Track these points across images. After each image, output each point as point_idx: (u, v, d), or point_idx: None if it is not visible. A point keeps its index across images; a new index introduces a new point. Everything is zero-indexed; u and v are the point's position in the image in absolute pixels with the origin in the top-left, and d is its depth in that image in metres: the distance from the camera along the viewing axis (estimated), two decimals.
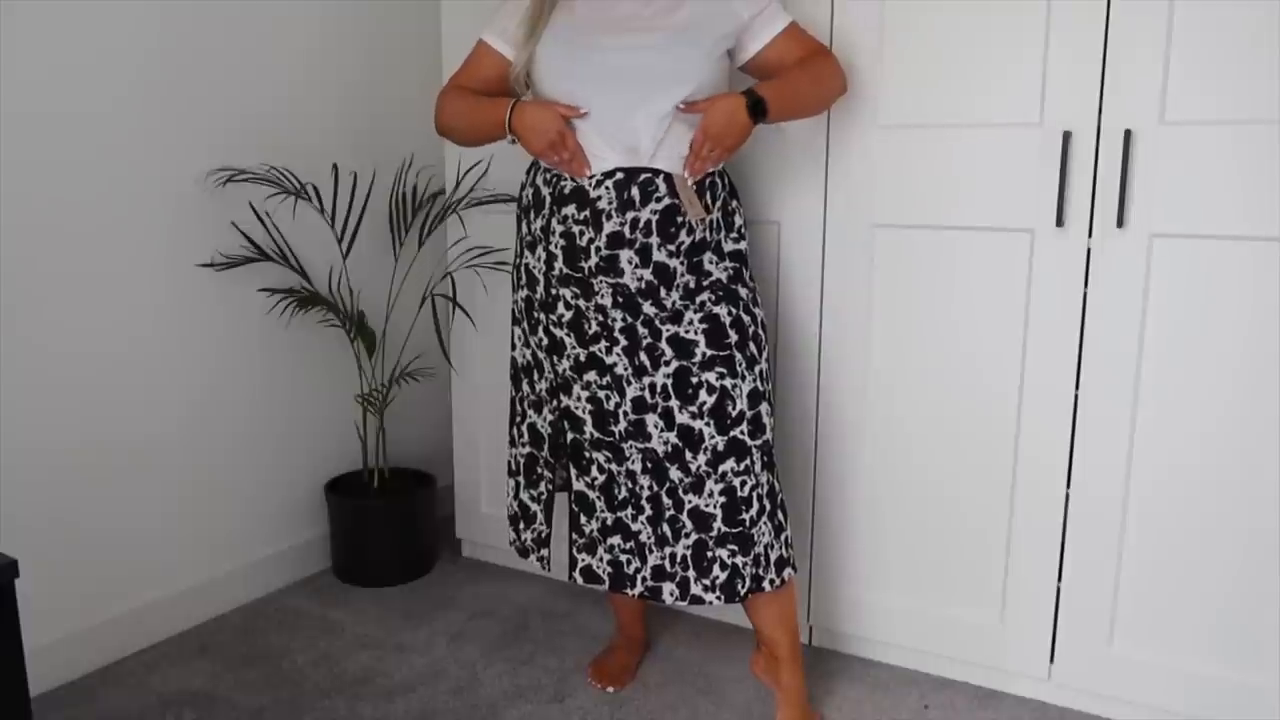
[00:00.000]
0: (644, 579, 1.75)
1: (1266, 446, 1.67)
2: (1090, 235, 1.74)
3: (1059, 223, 1.75)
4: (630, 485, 1.74)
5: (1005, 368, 1.86)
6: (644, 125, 1.63)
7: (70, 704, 1.92)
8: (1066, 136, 1.72)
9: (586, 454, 1.76)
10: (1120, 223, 1.70)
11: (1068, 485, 1.83)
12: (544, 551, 1.91)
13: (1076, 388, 1.80)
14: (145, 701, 1.93)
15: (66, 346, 1.95)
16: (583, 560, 1.81)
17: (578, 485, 1.79)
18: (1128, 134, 1.67)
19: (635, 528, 1.75)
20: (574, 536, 1.82)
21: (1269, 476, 1.68)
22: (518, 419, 1.90)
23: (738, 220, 1.77)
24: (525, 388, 1.86)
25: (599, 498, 1.77)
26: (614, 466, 1.74)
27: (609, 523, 1.77)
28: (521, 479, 1.91)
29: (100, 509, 2.04)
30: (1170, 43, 1.63)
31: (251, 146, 2.26)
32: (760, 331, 1.75)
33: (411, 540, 2.49)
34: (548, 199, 1.71)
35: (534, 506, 1.90)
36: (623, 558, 1.77)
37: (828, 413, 2.04)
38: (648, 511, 1.74)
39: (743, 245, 1.77)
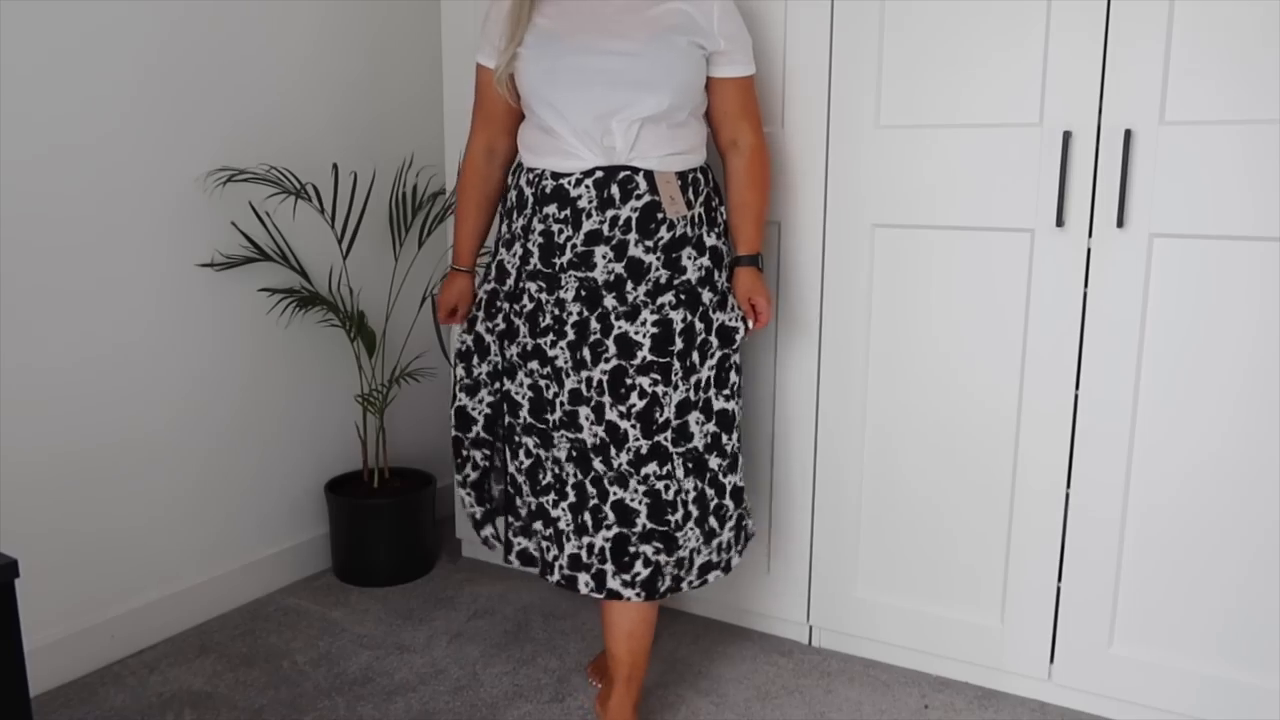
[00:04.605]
0: (561, 567, 1.78)
1: (1267, 445, 1.67)
2: (1090, 235, 1.75)
3: (1059, 223, 1.75)
4: (556, 471, 1.78)
5: (1005, 367, 1.86)
6: (618, 128, 1.66)
7: (70, 704, 1.92)
8: (1066, 136, 1.72)
9: (518, 438, 1.81)
10: (1120, 223, 1.70)
11: (1068, 485, 1.83)
12: (484, 532, 1.94)
13: (1076, 387, 1.80)
14: (145, 701, 1.93)
15: (67, 346, 1.95)
16: (519, 544, 1.87)
17: (510, 468, 1.84)
18: (1128, 134, 1.67)
19: (555, 514, 1.79)
20: (509, 520, 1.87)
21: (1270, 476, 1.68)
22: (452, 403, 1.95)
23: (720, 217, 1.81)
24: (460, 372, 1.89)
25: (525, 481, 1.82)
26: (541, 452, 1.79)
27: (533, 507, 1.82)
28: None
29: (100, 509, 2.04)
30: (1170, 42, 1.64)
31: (251, 146, 2.26)
32: (713, 338, 1.76)
33: (411, 540, 2.49)
34: (530, 199, 1.75)
35: (461, 491, 1.93)
36: (544, 544, 1.81)
37: (828, 412, 2.04)
38: (571, 498, 1.76)
39: (722, 243, 1.79)
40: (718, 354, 1.78)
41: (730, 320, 1.78)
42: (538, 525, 1.82)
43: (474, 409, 1.87)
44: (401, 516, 2.46)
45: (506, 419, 1.83)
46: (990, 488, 1.91)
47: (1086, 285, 1.76)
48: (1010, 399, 1.87)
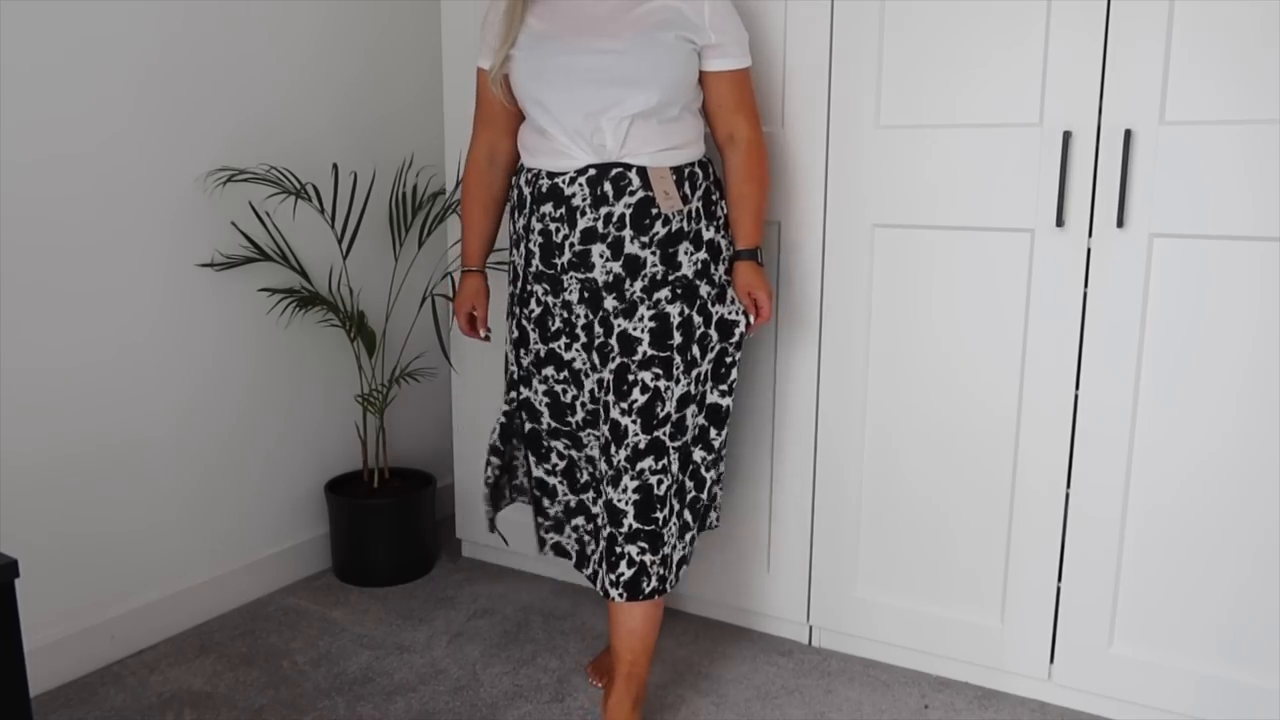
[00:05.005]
0: (596, 561, 1.83)
1: (1267, 445, 1.67)
2: (1090, 235, 1.75)
3: (1059, 223, 1.75)
4: (590, 470, 1.84)
5: (1005, 368, 1.86)
6: (608, 125, 1.67)
7: (70, 704, 1.92)
8: (1066, 136, 1.72)
9: (545, 443, 1.87)
10: (1120, 223, 1.70)
11: (1068, 485, 1.83)
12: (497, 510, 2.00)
13: (1076, 387, 1.80)
14: (145, 701, 1.93)
15: (67, 346, 1.95)
16: (551, 538, 1.95)
17: (537, 472, 1.90)
18: (1128, 134, 1.67)
19: (595, 510, 1.85)
20: (539, 520, 1.91)
21: (1270, 477, 1.68)
22: None
23: (720, 211, 1.80)
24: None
25: (560, 482, 1.88)
26: (574, 453, 1.85)
27: (572, 504, 1.88)
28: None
29: (100, 509, 2.04)
30: (1170, 42, 1.64)
31: (252, 146, 2.26)
32: (712, 332, 1.77)
33: (411, 540, 2.49)
34: (529, 198, 1.77)
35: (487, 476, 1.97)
36: (586, 538, 1.88)
37: (828, 412, 2.04)
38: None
39: (720, 236, 1.79)
40: (716, 347, 1.79)
41: (730, 314, 1.78)
42: (578, 520, 1.88)
43: (500, 416, 1.92)
44: (401, 516, 2.46)
45: (528, 425, 1.87)
46: (990, 488, 1.91)
47: (1086, 285, 1.76)
48: (1010, 399, 1.87)
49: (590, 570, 1.88)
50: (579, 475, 1.86)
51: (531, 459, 1.89)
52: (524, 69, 1.72)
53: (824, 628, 2.15)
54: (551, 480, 1.89)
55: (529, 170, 1.77)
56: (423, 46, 2.66)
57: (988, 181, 1.82)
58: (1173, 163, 1.66)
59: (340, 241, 2.37)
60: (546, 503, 1.91)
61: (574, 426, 1.82)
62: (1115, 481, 1.79)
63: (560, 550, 1.94)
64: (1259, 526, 1.70)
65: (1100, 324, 1.76)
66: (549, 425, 1.85)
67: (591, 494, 1.86)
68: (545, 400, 1.83)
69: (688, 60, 1.70)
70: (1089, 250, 1.75)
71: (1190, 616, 1.77)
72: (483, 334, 1.96)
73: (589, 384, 1.77)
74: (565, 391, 1.80)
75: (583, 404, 1.79)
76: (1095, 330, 1.77)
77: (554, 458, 1.87)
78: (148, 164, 2.06)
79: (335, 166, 2.33)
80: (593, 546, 1.86)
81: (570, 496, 1.88)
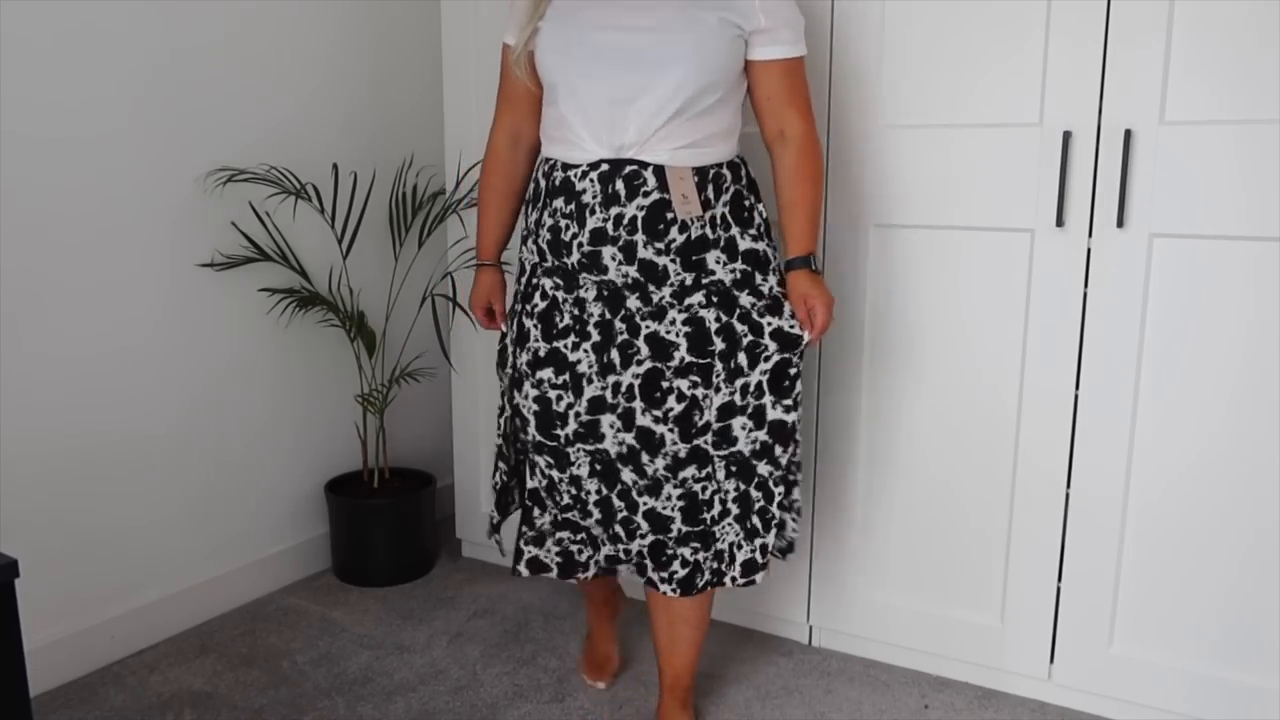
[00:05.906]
0: (596, 562, 1.75)
1: (1267, 445, 1.67)
2: (1090, 235, 1.75)
3: (1059, 223, 1.75)
4: (574, 491, 1.69)
5: (1005, 368, 1.86)
6: (634, 115, 1.54)
7: (70, 704, 1.92)
8: (1066, 136, 1.72)
9: (531, 456, 1.72)
10: (1120, 223, 1.70)
11: (1068, 485, 1.84)
12: (495, 537, 1.91)
13: (1077, 388, 1.80)
14: (145, 701, 1.93)
15: (67, 346, 1.95)
16: (529, 552, 1.77)
17: (530, 483, 1.75)
18: (1128, 134, 1.67)
19: (585, 524, 1.72)
20: (523, 529, 1.78)
21: (1269, 476, 1.68)
22: None
23: (756, 217, 1.66)
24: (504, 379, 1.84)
25: (546, 497, 1.74)
26: (555, 473, 1.68)
27: (558, 519, 1.74)
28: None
29: (101, 509, 2.04)
30: (1170, 42, 1.64)
31: (252, 146, 2.26)
32: (767, 341, 1.62)
33: (411, 540, 2.49)
34: (543, 190, 1.66)
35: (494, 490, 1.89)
36: (573, 547, 1.75)
37: (828, 412, 2.04)
38: (596, 515, 1.69)
39: (761, 245, 1.64)
40: (775, 358, 1.64)
41: (790, 326, 1.63)
42: (564, 534, 1.75)
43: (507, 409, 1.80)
44: (401, 516, 2.46)
45: (519, 434, 1.74)
46: (990, 488, 1.91)
47: (1086, 285, 1.76)
48: (1010, 399, 1.87)
49: (592, 571, 1.76)
50: (559, 497, 1.70)
51: (527, 468, 1.75)
52: (549, 44, 1.59)
53: (824, 628, 2.15)
54: (542, 495, 1.74)
55: (546, 160, 1.65)
56: (423, 47, 2.66)
57: (988, 181, 1.82)
58: (1172, 163, 1.66)
59: (340, 241, 2.37)
60: (536, 513, 1.76)
61: (560, 441, 1.65)
62: (1115, 480, 1.79)
63: (536, 566, 1.77)
64: (1256, 526, 1.70)
65: (1100, 324, 1.76)
66: (533, 438, 1.68)
67: (577, 514, 1.71)
68: (534, 408, 1.66)
69: (731, 46, 1.55)
70: (1089, 250, 1.75)
71: (1189, 616, 1.77)
72: (503, 328, 1.84)
73: (591, 390, 1.62)
74: (559, 399, 1.64)
75: (577, 414, 1.63)
76: (1095, 331, 1.77)
77: (538, 475, 1.72)
78: (148, 163, 2.06)
79: (335, 166, 2.33)
80: (589, 553, 1.74)
81: (556, 512, 1.74)
